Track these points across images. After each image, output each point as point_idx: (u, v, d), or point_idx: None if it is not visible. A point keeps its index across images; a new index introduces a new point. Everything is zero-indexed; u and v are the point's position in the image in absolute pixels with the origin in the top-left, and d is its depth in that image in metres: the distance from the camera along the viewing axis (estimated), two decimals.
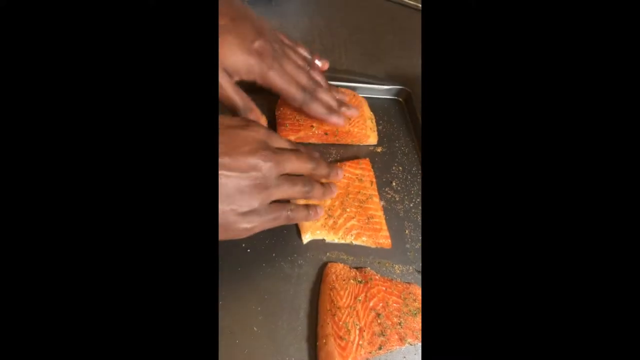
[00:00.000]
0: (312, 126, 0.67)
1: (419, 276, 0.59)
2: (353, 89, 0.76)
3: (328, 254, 0.58)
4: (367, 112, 0.73)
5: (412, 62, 0.90)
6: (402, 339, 0.50)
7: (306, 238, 0.58)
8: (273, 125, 0.68)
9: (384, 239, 0.60)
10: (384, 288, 0.53)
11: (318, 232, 0.58)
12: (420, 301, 0.54)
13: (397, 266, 0.59)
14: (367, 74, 0.84)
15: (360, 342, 0.48)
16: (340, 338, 0.48)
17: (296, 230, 0.59)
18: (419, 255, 0.61)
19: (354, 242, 0.59)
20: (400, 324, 0.51)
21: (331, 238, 0.59)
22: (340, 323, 0.49)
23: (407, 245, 0.62)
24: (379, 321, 0.50)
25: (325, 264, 0.56)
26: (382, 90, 0.80)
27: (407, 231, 0.63)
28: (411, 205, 0.66)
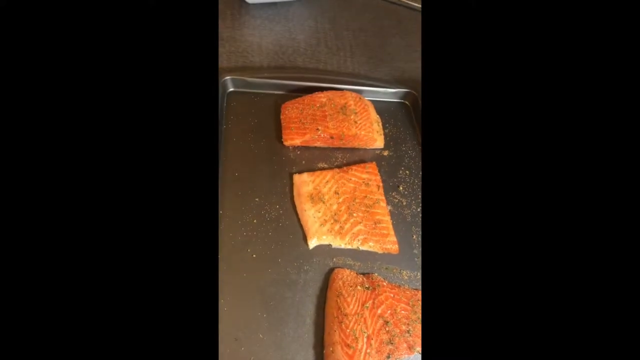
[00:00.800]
0: (317, 129, 0.66)
1: None
2: (359, 92, 0.76)
3: (334, 259, 0.57)
4: (374, 115, 0.72)
5: (418, 65, 0.89)
6: (411, 348, 0.49)
7: (312, 243, 0.57)
8: (279, 128, 0.68)
9: (391, 245, 0.59)
10: (391, 295, 0.52)
11: (324, 237, 0.57)
12: None
13: (404, 272, 0.58)
14: (373, 77, 0.83)
15: (368, 351, 0.47)
16: (348, 346, 0.47)
17: (302, 235, 0.58)
18: None
19: (361, 248, 0.58)
20: (408, 331, 0.50)
21: (338, 243, 0.58)
22: (348, 330, 0.48)
23: (415, 251, 0.61)
24: (387, 329, 0.49)
25: (331, 270, 0.56)
26: (389, 94, 0.79)
27: (414, 236, 0.62)
28: (418, 210, 0.65)
